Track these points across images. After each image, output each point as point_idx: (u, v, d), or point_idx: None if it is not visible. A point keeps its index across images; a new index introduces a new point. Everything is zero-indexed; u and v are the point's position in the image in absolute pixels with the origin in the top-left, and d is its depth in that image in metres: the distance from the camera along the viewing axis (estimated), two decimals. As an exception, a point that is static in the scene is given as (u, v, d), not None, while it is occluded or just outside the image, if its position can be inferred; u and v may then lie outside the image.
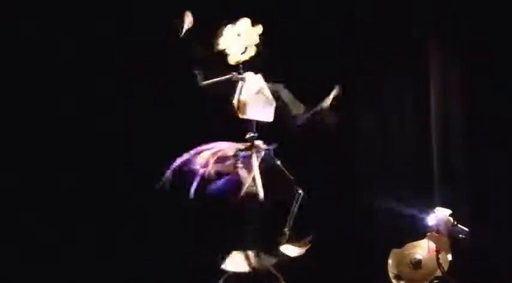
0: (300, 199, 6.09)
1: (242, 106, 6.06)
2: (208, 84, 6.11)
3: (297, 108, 6.20)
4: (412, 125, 7.70)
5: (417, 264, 6.40)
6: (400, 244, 6.52)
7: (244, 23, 6.13)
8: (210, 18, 6.15)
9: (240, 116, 6.06)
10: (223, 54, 6.08)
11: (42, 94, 7.28)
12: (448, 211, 6.41)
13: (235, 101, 6.07)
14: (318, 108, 6.19)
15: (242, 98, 6.07)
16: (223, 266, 6.09)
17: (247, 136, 6.12)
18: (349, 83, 6.65)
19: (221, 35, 6.08)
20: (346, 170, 7.56)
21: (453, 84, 7.63)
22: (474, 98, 7.52)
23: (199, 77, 6.10)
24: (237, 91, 6.09)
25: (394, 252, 6.50)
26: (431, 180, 7.50)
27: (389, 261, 6.49)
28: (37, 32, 7.27)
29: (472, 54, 7.48)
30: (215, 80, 6.11)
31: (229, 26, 6.10)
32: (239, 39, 6.09)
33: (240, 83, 6.11)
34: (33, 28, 7.27)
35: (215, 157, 6.03)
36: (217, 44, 6.07)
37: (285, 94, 6.21)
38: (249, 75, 6.14)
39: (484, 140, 7.49)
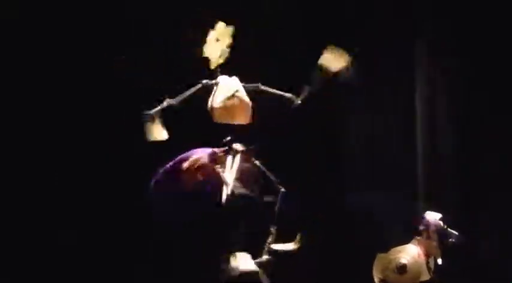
0: (282, 198, 5.96)
1: (215, 111, 5.93)
2: (181, 100, 5.96)
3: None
4: (403, 126, 7.70)
5: (402, 268, 6.37)
6: (387, 248, 6.48)
7: (220, 25, 6.02)
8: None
9: (215, 121, 5.94)
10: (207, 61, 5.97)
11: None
12: (439, 215, 6.42)
13: (208, 107, 5.95)
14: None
15: (215, 103, 5.93)
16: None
17: (225, 140, 5.98)
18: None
19: (205, 42, 5.98)
20: (334, 171, 7.52)
21: (446, 84, 7.68)
22: (470, 98, 7.56)
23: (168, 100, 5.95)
24: (210, 97, 5.97)
25: (380, 256, 6.47)
26: (420, 182, 7.51)
27: (375, 265, 6.45)
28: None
29: (467, 55, 7.54)
30: (185, 94, 5.98)
31: (211, 33, 6.00)
32: (218, 43, 5.98)
33: (214, 88, 5.98)
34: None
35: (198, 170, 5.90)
36: (203, 52, 5.97)
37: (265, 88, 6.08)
38: (222, 79, 6.00)
39: (475, 141, 7.54)
